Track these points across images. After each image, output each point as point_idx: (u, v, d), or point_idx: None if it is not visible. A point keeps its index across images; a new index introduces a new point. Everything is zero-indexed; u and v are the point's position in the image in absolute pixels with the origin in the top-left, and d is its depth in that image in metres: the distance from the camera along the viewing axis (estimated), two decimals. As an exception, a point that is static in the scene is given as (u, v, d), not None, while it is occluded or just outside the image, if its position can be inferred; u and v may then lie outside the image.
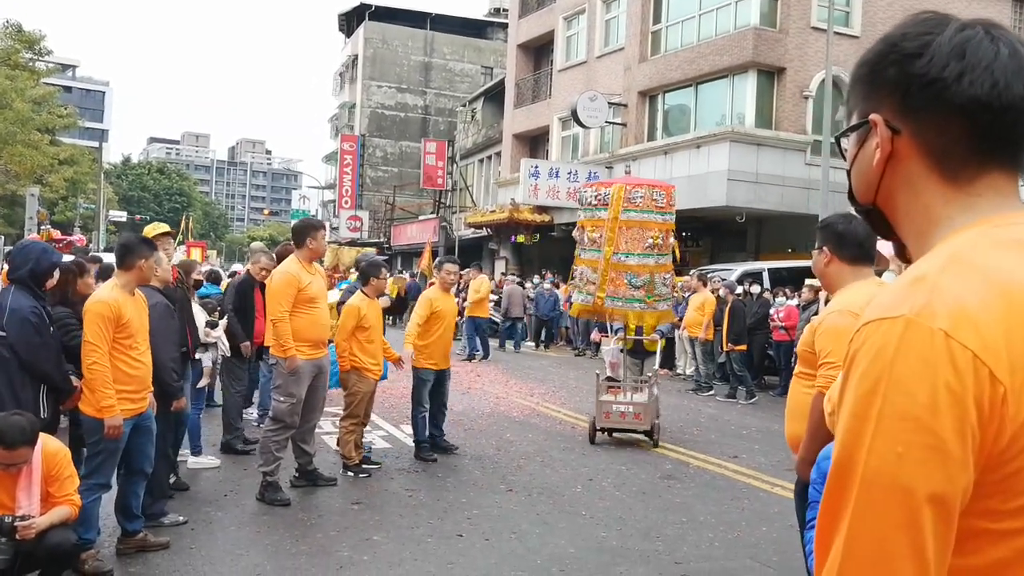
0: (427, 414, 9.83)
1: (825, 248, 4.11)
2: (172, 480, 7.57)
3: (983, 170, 1.27)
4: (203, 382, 9.21)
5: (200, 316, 8.82)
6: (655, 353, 12.32)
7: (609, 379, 11.43)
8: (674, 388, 16.13)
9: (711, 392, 15.88)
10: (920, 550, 1.08)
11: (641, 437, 10.88)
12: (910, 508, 1.08)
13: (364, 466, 8.99)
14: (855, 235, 4.03)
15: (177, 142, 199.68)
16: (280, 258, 9.79)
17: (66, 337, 6.17)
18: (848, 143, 1.40)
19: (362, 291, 9.09)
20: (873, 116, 1.32)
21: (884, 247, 4.74)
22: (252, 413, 11.35)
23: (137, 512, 6.28)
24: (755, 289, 17.56)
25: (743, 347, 15.61)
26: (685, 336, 17.40)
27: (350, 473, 8.69)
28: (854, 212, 1.47)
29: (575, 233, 11.23)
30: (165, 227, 8.51)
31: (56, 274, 6.03)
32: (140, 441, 6.19)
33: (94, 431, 5.89)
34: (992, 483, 1.11)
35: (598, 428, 10.90)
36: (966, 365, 1.09)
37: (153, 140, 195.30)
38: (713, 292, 17.14)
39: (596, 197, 10.87)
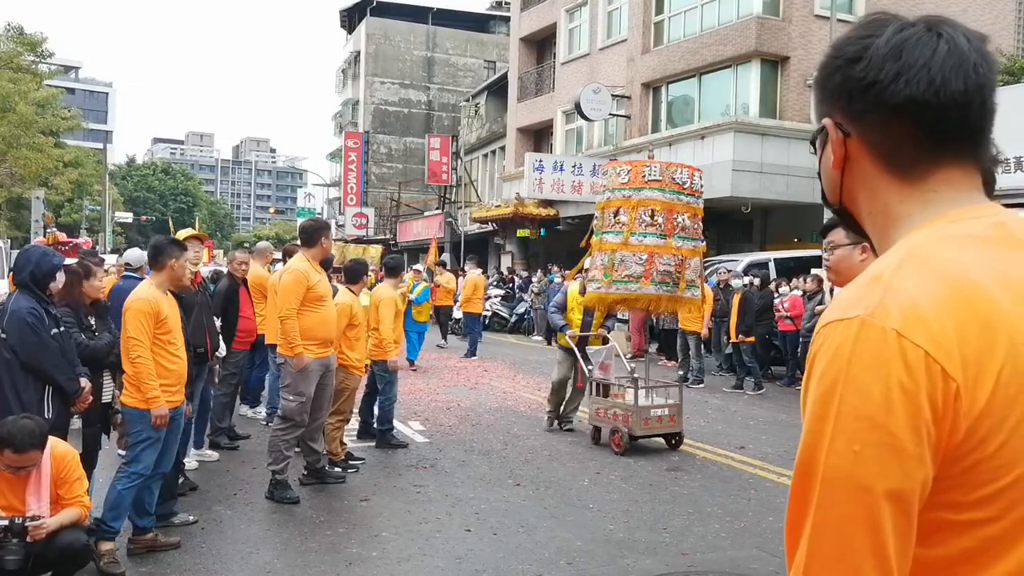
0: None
1: (865, 243, 3.64)
2: (180, 480, 7.62)
3: (935, 166, 1.28)
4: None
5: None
6: (600, 349, 11.24)
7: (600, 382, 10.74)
8: (666, 377, 16.10)
9: (701, 385, 15.80)
10: (881, 546, 1.11)
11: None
12: (869, 505, 1.11)
13: (350, 462, 9.07)
14: None
15: (181, 142, 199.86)
16: (287, 256, 9.88)
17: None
18: (818, 146, 1.42)
19: (349, 288, 9.16)
20: (825, 120, 1.36)
21: None
22: (260, 412, 11.41)
23: (150, 509, 6.37)
24: (755, 281, 17.48)
25: (752, 338, 15.59)
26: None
27: (337, 469, 8.74)
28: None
29: (596, 218, 10.71)
30: (193, 231, 8.63)
31: (60, 277, 6.11)
32: (169, 439, 6.38)
33: (136, 421, 6.10)
34: (952, 476, 1.14)
35: (636, 436, 10.04)
36: (918, 363, 1.11)
37: (157, 140, 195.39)
38: (721, 283, 17.13)
39: (617, 174, 10.46)
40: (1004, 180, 13.87)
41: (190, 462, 8.55)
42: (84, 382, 6.12)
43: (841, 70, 1.31)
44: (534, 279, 27.34)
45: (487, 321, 25.85)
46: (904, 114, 1.25)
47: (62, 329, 5.99)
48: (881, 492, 1.11)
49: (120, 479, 6.08)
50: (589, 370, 10.82)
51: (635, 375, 10.30)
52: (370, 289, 11.02)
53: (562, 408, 11.44)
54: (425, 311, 18.23)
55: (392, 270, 10.41)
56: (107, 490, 6.15)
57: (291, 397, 7.82)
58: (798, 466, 1.19)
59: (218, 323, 9.29)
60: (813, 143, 1.45)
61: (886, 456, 1.11)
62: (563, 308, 11.40)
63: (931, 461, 1.13)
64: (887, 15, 1.32)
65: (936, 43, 1.25)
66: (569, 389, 11.38)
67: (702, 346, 16.40)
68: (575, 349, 11.00)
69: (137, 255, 9.78)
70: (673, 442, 10.38)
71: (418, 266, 20.24)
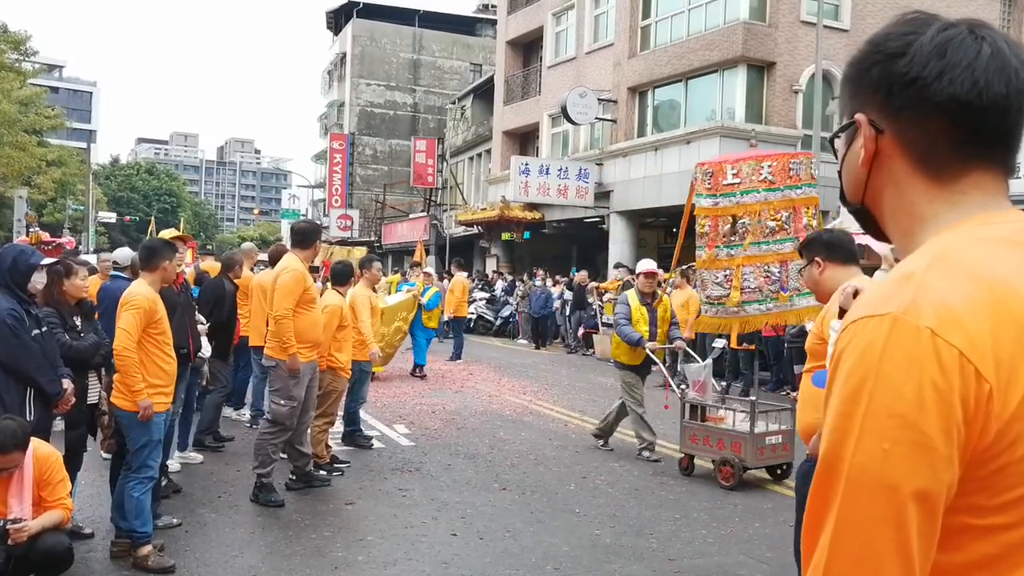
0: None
1: (817, 259, 4.56)
2: (164, 483, 7.56)
3: (967, 169, 1.28)
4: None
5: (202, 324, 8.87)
6: (698, 366, 9.88)
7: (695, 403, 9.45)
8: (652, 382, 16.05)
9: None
10: (905, 546, 1.10)
11: (633, 433, 10.52)
12: (895, 505, 1.09)
13: (335, 465, 9.03)
14: (840, 240, 4.63)
15: (165, 142, 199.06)
16: (274, 258, 9.80)
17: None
18: (840, 143, 1.41)
19: (336, 291, 9.12)
20: (858, 116, 1.33)
21: (877, 245, 5.01)
22: (245, 414, 11.35)
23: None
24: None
25: (753, 347, 15.52)
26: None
27: (322, 472, 8.69)
28: (847, 212, 1.48)
29: (699, 228, 9.41)
30: (176, 231, 8.58)
31: (41, 276, 6.01)
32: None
33: (133, 426, 6.08)
34: (978, 479, 1.13)
35: (749, 467, 8.80)
36: (952, 363, 1.10)
37: (141, 140, 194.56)
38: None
39: (735, 175, 9.15)
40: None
41: (174, 464, 8.50)
42: (66, 384, 6.04)
43: (881, 64, 1.30)
44: (519, 283, 27.33)
45: (472, 324, 25.82)
46: (944, 113, 1.25)
47: (44, 330, 5.92)
48: (909, 492, 1.09)
49: (134, 487, 6.05)
50: (682, 390, 9.65)
51: (751, 397, 9.32)
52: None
53: (605, 424, 10.56)
54: (436, 317, 17.72)
55: (338, 276, 9.52)
56: (125, 501, 6.09)
57: (282, 402, 7.76)
58: (821, 464, 1.18)
59: (203, 327, 9.22)
60: (832, 141, 1.45)
61: (917, 455, 1.10)
62: (629, 319, 9.92)
63: (959, 463, 1.11)
64: (927, 14, 1.32)
65: (980, 45, 1.26)
66: (616, 404, 10.41)
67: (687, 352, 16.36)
68: (660, 365, 10.12)
69: (125, 254, 9.72)
70: (779, 472, 9.10)
71: (429, 269, 19.69)
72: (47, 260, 6.11)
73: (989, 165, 1.29)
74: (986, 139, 1.27)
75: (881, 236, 1.41)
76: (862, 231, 1.47)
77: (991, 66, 1.24)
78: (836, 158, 1.44)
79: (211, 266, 11.46)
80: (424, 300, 16.37)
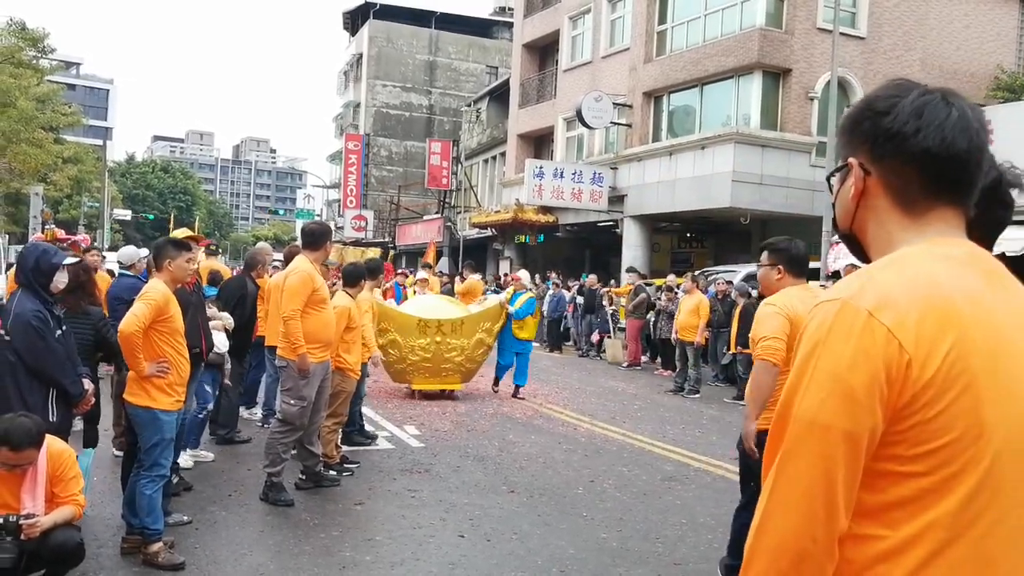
0: None
1: (780, 266, 5.57)
2: (175, 480, 7.62)
3: (933, 206, 1.63)
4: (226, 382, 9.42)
5: (219, 320, 8.95)
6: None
7: None
8: (663, 387, 16.15)
9: (697, 396, 15.66)
10: (832, 472, 1.47)
11: (642, 437, 10.64)
12: (827, 441, 1.47)
13: (345, 465, 9.08)
14: (801, 258, 5.62)
15: (181, 140, 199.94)
16: (288, 258, 9.86)
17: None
18: (835, 180, 1.77)
19: (347, 292, 9.14)
20: (851, 159, 1.70)
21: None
22: (256, 413, 11.42)
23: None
24: (754, 292, 17.42)
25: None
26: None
27: (332, 472, 8.74)
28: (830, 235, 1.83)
29: None
30: (189, 231, 8.63)
31: (62, 275, 6.02)
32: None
33: (146, 424, 6.12)
34: (897, 432, 1.48)
35: None
36: (881, 336, 1.47)
37: (157, 138, 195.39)
38: (720, 294, 17.15)
39: None
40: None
41: (186, 461, 8.57)
42: (87, 384, 6.12)
43: (871, 119, 1.66)
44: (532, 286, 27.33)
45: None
46: (918, 161, 1.60)
47: (64, 329, 5.97)
48: (838, 431, 1.47)
49: (145, 485, 6.07)
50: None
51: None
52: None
53: None
54: (531, 327, 15.16)
55: (348, 278, 9.43)
56: (136, 499, 6.13)
57: (292, 401, 7.80)
58: (777, 411, 1.57)
59: (219, 322, 9.29)
60: (828, 179, 1.81)
61: (846, 404, 1.47)
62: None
63: (881, 415, 1.47)
64: (910, 81, 1.67)
65: (950, 110, 1.60)
66: None
67: (699, 355, 16.39)
68: None
69: (130, 252, 9.79)
70: None
71: (519, 273, 16.54)
72: (70, 259, 6.12)
73: (951, 203, 1.64)
74: (949, 184, 1.62)
75: (864, 257, 1.75)
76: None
77: (957, 126, 1.59)
78: (831, 192, 1.80)
79: (212, 265, 11.49)
80: (513, 308, 14.53)
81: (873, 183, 1.66)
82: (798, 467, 1.49)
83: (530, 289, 15.87)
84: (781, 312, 5.24)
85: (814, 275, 16.84)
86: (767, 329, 5.22)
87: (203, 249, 10.31)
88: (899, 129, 1.60)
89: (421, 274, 19.34)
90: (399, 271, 19.94)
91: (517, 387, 14.76)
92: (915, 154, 1.59)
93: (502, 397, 14.52)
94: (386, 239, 50.96)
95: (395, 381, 14.28)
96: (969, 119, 1.60)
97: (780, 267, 5.56)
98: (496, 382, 15.13)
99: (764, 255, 5.74)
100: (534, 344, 15.79)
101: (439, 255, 34.81)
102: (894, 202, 1.65)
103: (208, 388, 8.87)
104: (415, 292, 17.68)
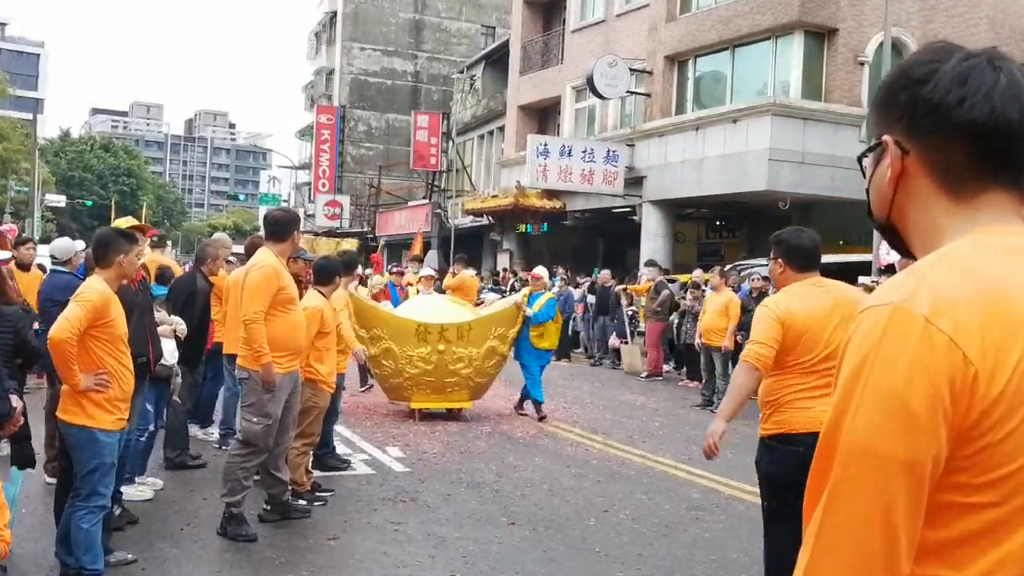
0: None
1: (780, 260, 5.73)
2: (118, 512, 7.61)
3: (984, 187, 1.60)
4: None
5: (168, 325, 8.93)
6: None
7: None
8: (688, 401, 16.12)
9: None
10: (891, 511, 1.41)
11: (664, 460, 10.69)
12: (884, 472, 1.41)
13: (317, 493, 9.08)
14: (802, 247, 5.69)
15: (125, 114, 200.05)
16: (250, 250, 9.82)
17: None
18: (868, 162, 1.75)
19: (319, 291, 9.11)
20: (885, 137, 1.67)
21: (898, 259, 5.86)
22: (213, 433, 11.41)
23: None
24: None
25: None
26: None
27: (302, 501, 8.74)
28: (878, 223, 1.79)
29: None
30: (134, 220, 8.61)
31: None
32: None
33: (83, 446, 6.10)
34: (964, 458, 1.43)
35: None
36: (941, 346, 1.41)
37: (97, 111, 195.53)
38: (754, 292, 17.10)
39: None
40: None
41: (138, 492, 8.56)
42: (15, 401, 6.10)
43: (908, 90, 1.63)
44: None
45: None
46: (964, 136, 1.57)
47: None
48: (896, 461, 1.41)
49: (82, 517, 6.03)
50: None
51: None
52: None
53: None
54: (552, 334, 14.72)
55: (320, 274, 9.36)
56: (72, 533, 6.11)
57: (255, 419, 7.74)
58: (822, 438, 1.51)
59: (170, 328, 9.28)
60: (860, 160, 1.78)
61: (904, 428, 1.41)
62: None
63: (945, 438, 1.42)
64: (950, 44, 1.66)
65: (997, 75, 1.58)
66: None
67: (729, 363, 16.32)
68: None
69: (65, 245, 9.77)
70: None
71: (538, 270, 15.71)
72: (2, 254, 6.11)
73: (1004, 184, 1.61)
74: (1001, 161, 1.59)
75: (904, 250, 1.75)
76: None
77: (1007, 94, 1.56)
78: (864, 177, 1.77)
79: (159, 259, 11.47)
80: (530, 311, 13.98)
81: (912, 163, 1.64)
82: (850, 506, 1.44)
83: (551, 289, 15.65)
84: (772, 313, 5.46)
85: (849, 271, 16.85)
86: (755, 332, 5.46)
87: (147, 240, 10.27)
88: (940, 99, 1.58)
89: (426, 270, 18.78)
90: (394, 268, 19.59)
91: (536, 403, 14.28)
92: (960, 127, 1.57)
93: (501, 414, 14.51)
94: (364, 228, 50.97)
95: (390, 398, 14.12)
96: (1020, 84, 1.58)
97: (780, 260, 5.74)
98: (521, 403, 14.63)
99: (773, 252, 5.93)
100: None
101: (427, 247, 34.79)
102: (938, 185, 1.63)
103: (151, 408, 8.82)
104: (417, 292, 17.31)
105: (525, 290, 14.90)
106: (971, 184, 1.60)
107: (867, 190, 1.75)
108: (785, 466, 5.20)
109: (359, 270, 15.63)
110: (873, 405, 1.43)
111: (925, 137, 1.61)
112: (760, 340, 5.36)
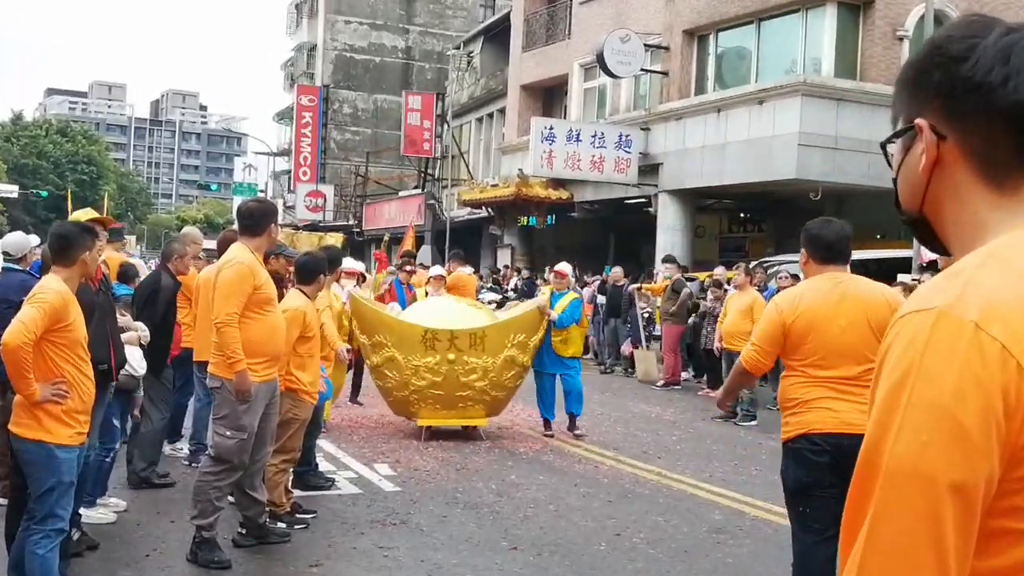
0: None
1: (804, 250, 5.91)
2: (76, 536, 7.61)
3: None
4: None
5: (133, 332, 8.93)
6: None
7: None
8: (709, 412, 16.10)
9: (754, 423, 15.61)
10: (941, 539, 1.36)
11: (682, 478, 10.71)
12: (932, 496, 1.36)
13: (298, 515, 9.08)
14: (825, 238, 5.85)
15: (84, 94, 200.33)
16: (223, 246, 9.80)
17: None
18: (894, 149, 1.73)
19: (301, 290, 9.07)
20: (918, 121, 1.62)
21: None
22: (182, 448, 11.41)
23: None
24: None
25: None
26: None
27: (281, 524, 8.73)
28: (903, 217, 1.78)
29: None
30: (94, 212, 8.60)
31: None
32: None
33: (38, 463, 6.08)
34: (1017, 479, 1.39)
35: None
36: (994, 356, 1.37)
37: (52, 92, 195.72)
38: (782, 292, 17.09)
39: None
40: None
41: (105, 514, 8.56)
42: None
43: (943, 68, 1.59)
44: (539, 280, 27.36)
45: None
46: (1008, 120, 1.53)
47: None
48: (945, 484, 1.36)
49: (37, 542, 6.01)
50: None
51: None
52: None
53: None
54: (576, 339, 14.35)
55: (303, 271, 9.25)
56: (26, 560, 6.09)
57: (228, 432, 7.71)
58: (861, 459, 1.46)
59: (134, 334, 9.28)
60: (884, 146, 1.76)
61: (954, 447, 1.36)
62: None
63: (998, 457, 1.37)
64: (987, 17, 1.62)
65: None
66: None
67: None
68: None
69: (18, 240, 9.77)
70: None
71: (562, 266, 15.10)
72: None
73: None
74: None
75: (938, 247, 1.70)
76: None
77: None
78: (889, 164, 1.75)
79: (119, 256, 11.47)
80: (554, 314, 13.55)
81: (949, 150, 1.59)
82: (894, 533, 1.38)
83: (575, 289, 15.31)
84: (775, 314, 5.65)
85: (888, 269, 16.84)
86: (755, 332, 5.71)
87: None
88: (982, 78, 1.53)
89: (436, 269, 18.28)
90: (407, 267, 19.22)
91: (547, 422, 14.12)
92: (1005, 110, 1.51)
93: (501, 427, 14.51)
94: (350, 221, 51.04)
95: (396, 413, 13.89)
96: None
97: (804, 250, 5.93)
98: (547, 424, 14.25)
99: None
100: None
101: (419, 242, 34.76)
102: (979, 174, 1.57)
103: (117, 423, 8.82)
104: (426, 293, 16.88)
105: (546, 289, 14.67)
106: (1017, 172, 1.55)
107: (894, 180, 1.73)
108: (806, 468, 5.43)
109: (361, 267, 15.60)
110: (919, 422, 1.38)
111: (965, 121, 1.56)
112: (757, 343, 5.64)
